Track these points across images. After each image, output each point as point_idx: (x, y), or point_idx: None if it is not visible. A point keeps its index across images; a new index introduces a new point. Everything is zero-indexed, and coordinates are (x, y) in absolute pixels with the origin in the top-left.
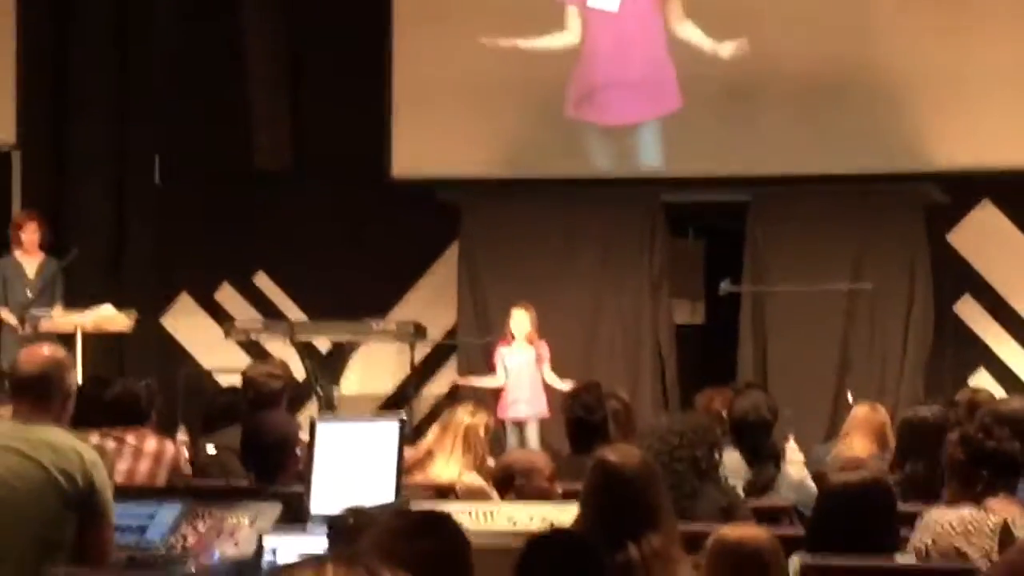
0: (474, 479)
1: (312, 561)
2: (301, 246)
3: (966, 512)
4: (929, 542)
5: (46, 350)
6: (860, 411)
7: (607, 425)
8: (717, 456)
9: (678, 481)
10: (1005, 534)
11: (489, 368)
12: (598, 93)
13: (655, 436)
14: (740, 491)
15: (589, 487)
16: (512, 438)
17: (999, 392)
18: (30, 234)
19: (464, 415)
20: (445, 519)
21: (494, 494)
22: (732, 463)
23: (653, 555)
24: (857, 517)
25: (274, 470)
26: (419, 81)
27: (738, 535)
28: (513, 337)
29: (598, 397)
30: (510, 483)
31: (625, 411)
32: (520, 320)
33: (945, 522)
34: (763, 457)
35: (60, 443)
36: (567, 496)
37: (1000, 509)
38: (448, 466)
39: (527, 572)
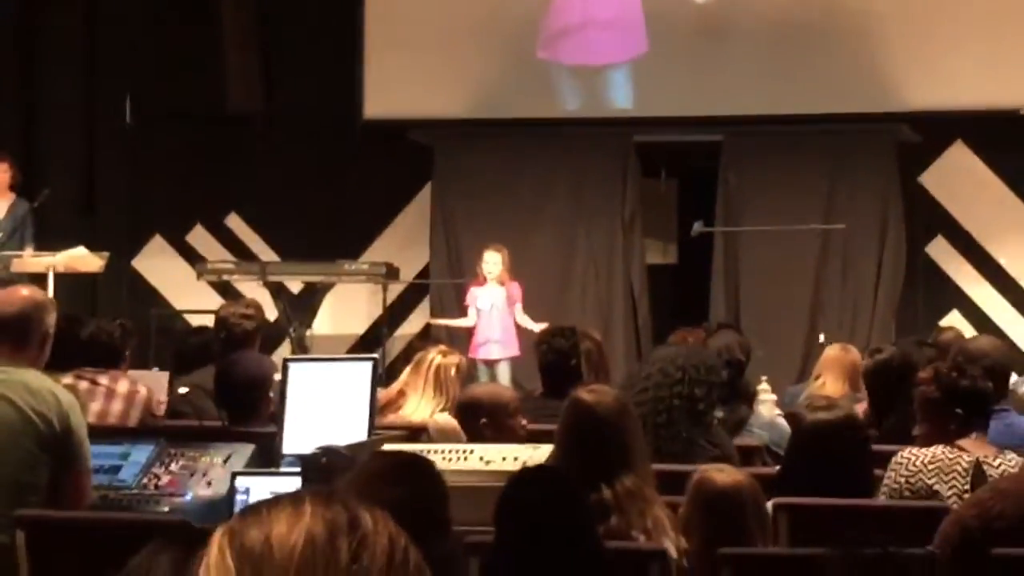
0: (446, 419)
1: (289, 498)
2: (273, 188)
3: (939, 451)
4: (902, 481)
5: (24, 291)
6: (831, 352)
7: (580, 368)
8: (715, 398)
9: (670, 421)
10: (977, 473)
11: (461, 309)
12: (568, 34)
13: (656, 366)
14: None
15: (563, 426)
16: (484, 378)
17: (971, 333)
18: (0, 175)
19: (436, 355)
20: (423, 464)
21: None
22: None
23: (626, 495)
24: (830, 456)
25: (248, 410)
26: (391, 21)
27: (722, 480)
28: (485, 278)
29: (573, 342)
30: (473, 418)
31: (597, 351)
32: (492, 261)
33: (918, 461)
34: (735, 397)
35: (36, 385)
36: (538, 437)
37: (972, 448)
38: (420, 406)
39: (510, 509)
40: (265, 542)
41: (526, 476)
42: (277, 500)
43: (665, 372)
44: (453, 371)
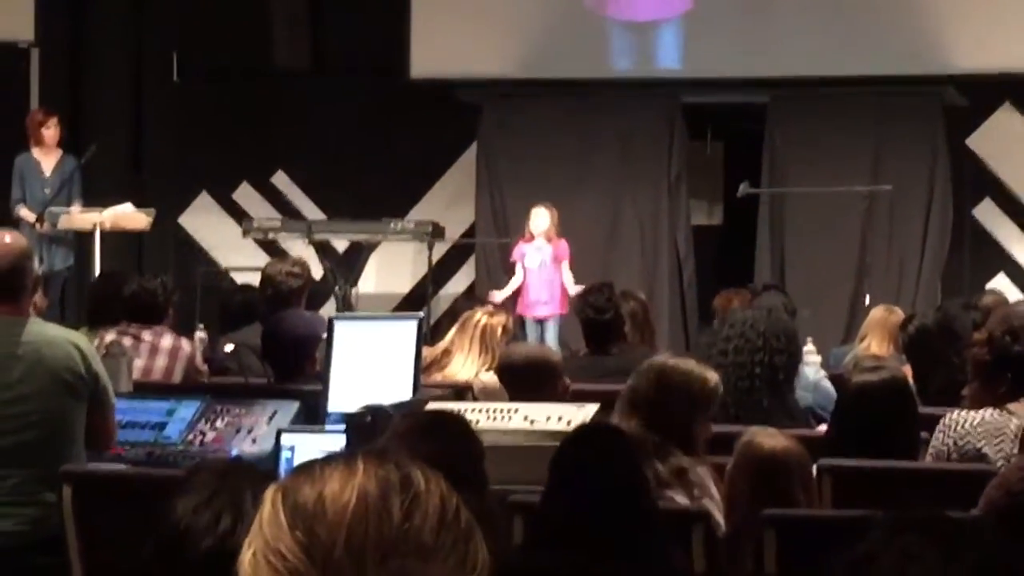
0: (491, 379)
1: (342, 457)
2: (320, 146)
3: (988, 414)
4: (951, 443)
5: (8, 239)
6: (876, 313)
7: (621, 325)
8: (794, 368)
9: (752, 388)
10: None
11: (506, 268)
12: None
13: (736, 329)
14: None
15: (634, 394)
16: (532, 336)
17: (1018, 296)
18: (48, 131)
19: (483, 315)
20: (455, 420)
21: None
22: None
23: (674, 471)
24: (876, 417)
25: (294, 368)
26: None
27: (769, 444)
28: (533, 235)
29: (609, 297)
30: (516, 378)
31: (642, 311)
32: (540, 218)
33: (966, 424)
34: None
35: (53, 337)
36: (583, 396)
37: (1022, 412)
38: (466, 365)
39: (568, 464)
40: (318, 499)
41: (587, 433)
42: (330, 458)
43: (746, 337)
44: (499, 331)
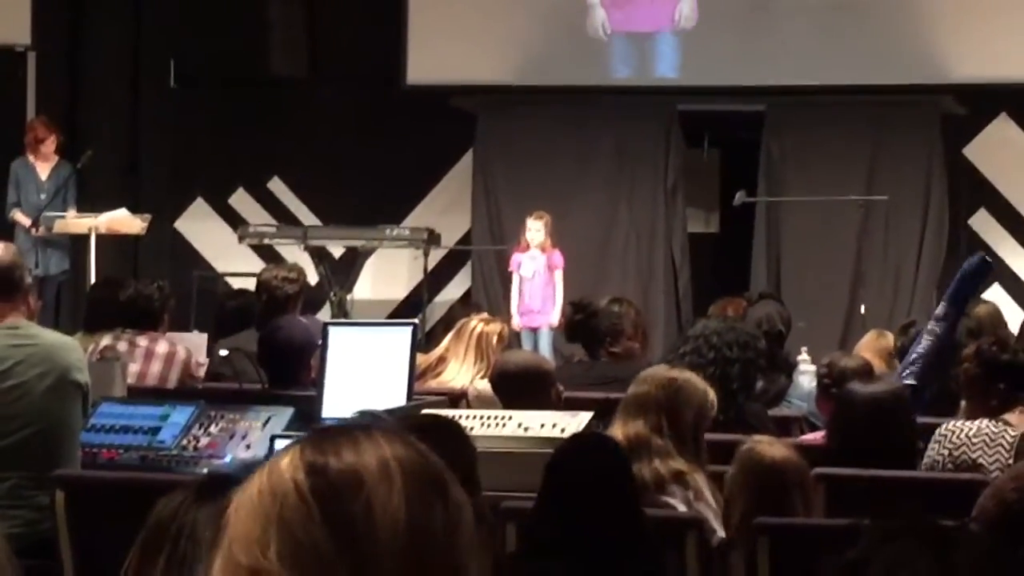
0: (486, 386)
1: (357, 424)
2: (316, 152)
3: (983, 424)
4: (946, 454)
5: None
6: (868, 338)
7: (614, 333)
8: (753, 373)
9: None
10: (1022, 447)
11: (502, 276)
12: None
13: (690, 345)
14: None
15: (643, 398)
16: (527, 344)
17: (1014, 307)
18: (46, 148)
19: (478, 323)
20: (451, 425)
21: None
22: None
23: (672, 474)
24: (871, 427)
25: (289, 374)
26: None
27: (770, 454)
28: (528, 245)
29: (603, 305)
30: (510, 386)
31: (636, 317)
32: (535, 228)
33: (962, 434)
34: (775, 368)
35: (57, 341)
36: (576, 404)
37: (1017, 422)
38: (460, 373)
39: (562, 472)
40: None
41: (580, 442)
42: (350, 422)
43: (699, 352)
44: (495, 339)
